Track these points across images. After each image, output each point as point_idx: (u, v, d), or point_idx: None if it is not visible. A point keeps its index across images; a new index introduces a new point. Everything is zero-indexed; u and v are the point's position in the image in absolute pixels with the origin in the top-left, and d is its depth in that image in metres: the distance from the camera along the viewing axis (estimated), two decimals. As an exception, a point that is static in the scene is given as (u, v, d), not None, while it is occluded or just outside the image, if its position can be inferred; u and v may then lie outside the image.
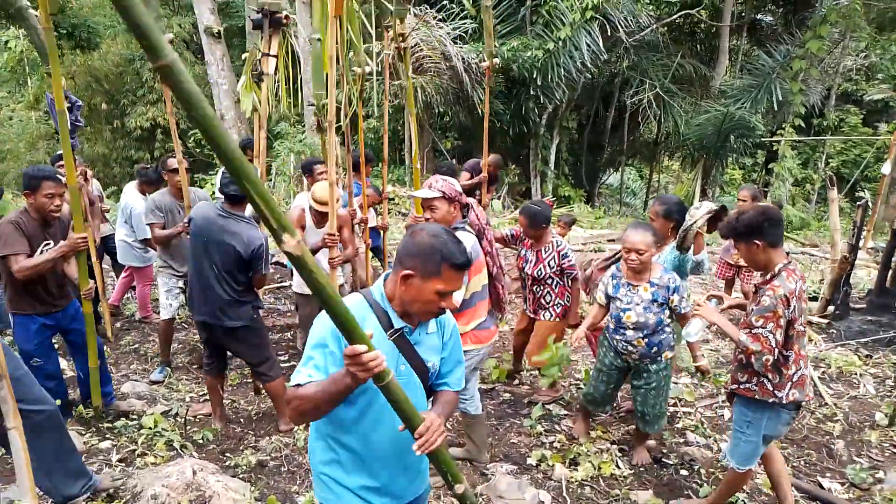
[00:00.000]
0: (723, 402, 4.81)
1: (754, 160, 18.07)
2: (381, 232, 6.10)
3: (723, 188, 16.99)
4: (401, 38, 4.51)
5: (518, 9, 13.41)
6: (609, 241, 10.56)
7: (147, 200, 5.17)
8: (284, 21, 3.49)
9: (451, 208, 3.27)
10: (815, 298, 6.81)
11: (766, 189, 14.98)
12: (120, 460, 3.77)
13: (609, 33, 12.71)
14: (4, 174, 16.51)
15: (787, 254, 3.01)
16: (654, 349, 3.63)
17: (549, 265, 4.44)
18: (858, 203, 6.31)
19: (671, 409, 4.67)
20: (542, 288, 4.56)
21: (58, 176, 3.71)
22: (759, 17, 17.01)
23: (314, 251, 4.34)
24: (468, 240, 3.22)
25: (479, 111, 12.70)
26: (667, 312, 3.58)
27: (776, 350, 2.83)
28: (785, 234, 3.01)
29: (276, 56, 3.59)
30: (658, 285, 3.54)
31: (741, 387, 3.07)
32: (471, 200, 3.59)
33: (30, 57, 16.89)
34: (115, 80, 16.11)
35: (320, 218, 4.39)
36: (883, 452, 4.23)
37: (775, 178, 14.47)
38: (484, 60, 8.58)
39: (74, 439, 3.79)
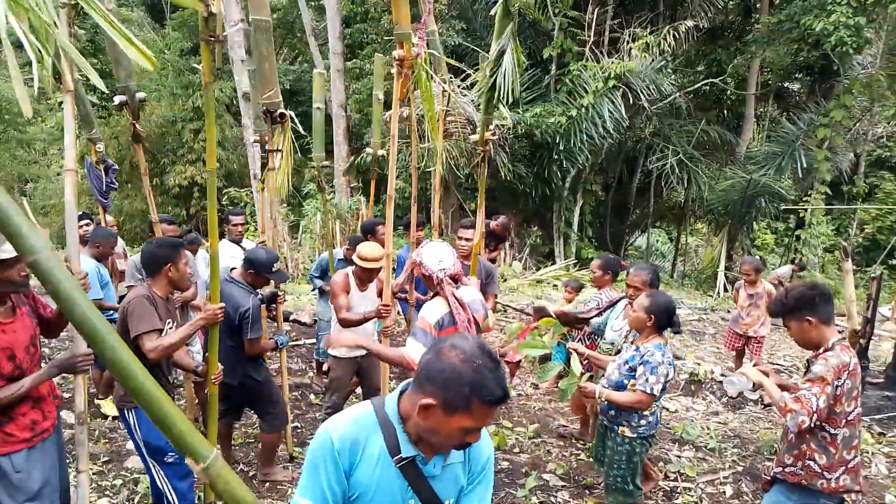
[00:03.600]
0: (724, 478, 4.72)
1: (786, 224, 17.95)
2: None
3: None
4: (485, 144, 4.73)
5: (542, 77, 13.84)
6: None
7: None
8: (280, 120, 3.73)
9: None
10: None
11: (794, 256, 14.81)
12: (116, 517, 3.87)
13: (631, 101, 12.96)
14: (47, 227, 17.25)
15: (840, 332, 2.89)
16: (611, 412, 3.55)
17: None
18: (872, 276, 6.25)
19: (671, 483, 4.61)
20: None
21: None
22: (785, 84, 17.13)
23: (365, 320, 4.30)
24: (437, 308, 3.18)
25: (502, 174, 12.95)
26: (632, 382, 3.43)
27: (814, 415, 2.61)
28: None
29: (280, 151, 3.82)
30: (640, 351, 3.47)
31: (786, 470, 2.85)
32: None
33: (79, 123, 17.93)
34: (156, 140, 16.90)
35: (367, 275, 4.41)
36: (889, 538, 4.09)
37: (802, 244, 14.33)
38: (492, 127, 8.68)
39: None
